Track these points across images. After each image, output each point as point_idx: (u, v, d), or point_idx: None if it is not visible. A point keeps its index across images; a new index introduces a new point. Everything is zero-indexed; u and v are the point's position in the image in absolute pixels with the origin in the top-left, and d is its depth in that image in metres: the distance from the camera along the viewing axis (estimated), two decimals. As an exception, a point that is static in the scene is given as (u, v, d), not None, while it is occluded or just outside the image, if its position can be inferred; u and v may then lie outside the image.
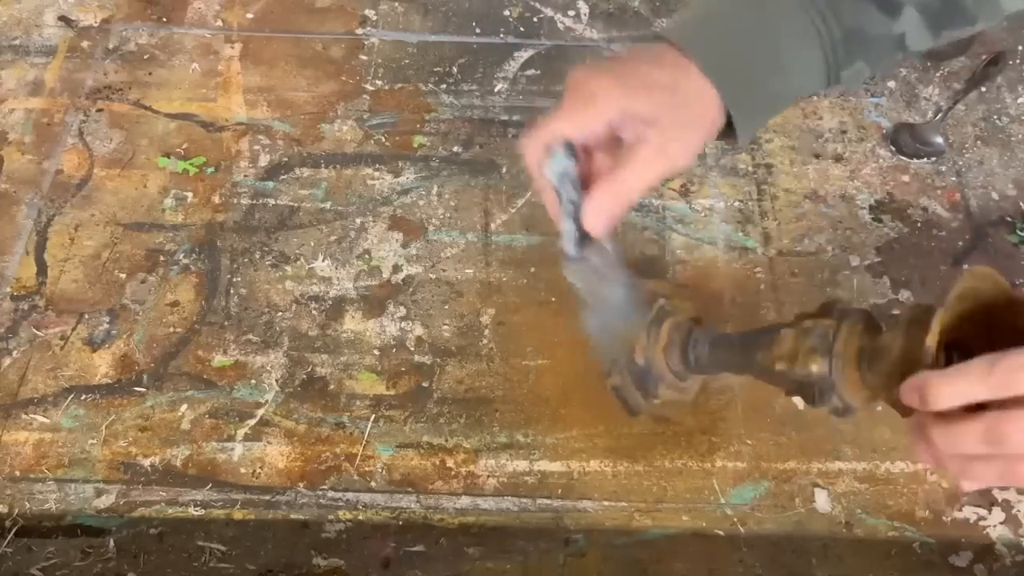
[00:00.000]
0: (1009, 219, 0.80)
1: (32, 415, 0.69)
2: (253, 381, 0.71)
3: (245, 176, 0.82)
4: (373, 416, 0.69)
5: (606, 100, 0.46)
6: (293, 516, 0.65)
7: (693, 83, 0.46)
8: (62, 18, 0.93)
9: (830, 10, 0.46)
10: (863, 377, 0.44)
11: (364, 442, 0.68)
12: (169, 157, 0.83)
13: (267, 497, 0.66)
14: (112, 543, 0.64)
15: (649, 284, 0.60)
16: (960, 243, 0.78)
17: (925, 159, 0.83)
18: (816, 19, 0.46)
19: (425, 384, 0.71)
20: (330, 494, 0.66)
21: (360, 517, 0.65)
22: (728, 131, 0.49)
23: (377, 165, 0.83)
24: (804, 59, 0.47)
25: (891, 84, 0.89)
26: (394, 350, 0.72)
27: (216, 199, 0.80)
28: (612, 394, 0.56)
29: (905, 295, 0.75)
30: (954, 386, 0.37)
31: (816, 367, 0.44)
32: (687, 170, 0.82)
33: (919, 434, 0.40)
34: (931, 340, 0.39)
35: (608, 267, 0.52)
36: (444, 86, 0.89)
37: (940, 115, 0.85)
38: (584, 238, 0.50)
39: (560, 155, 0.48)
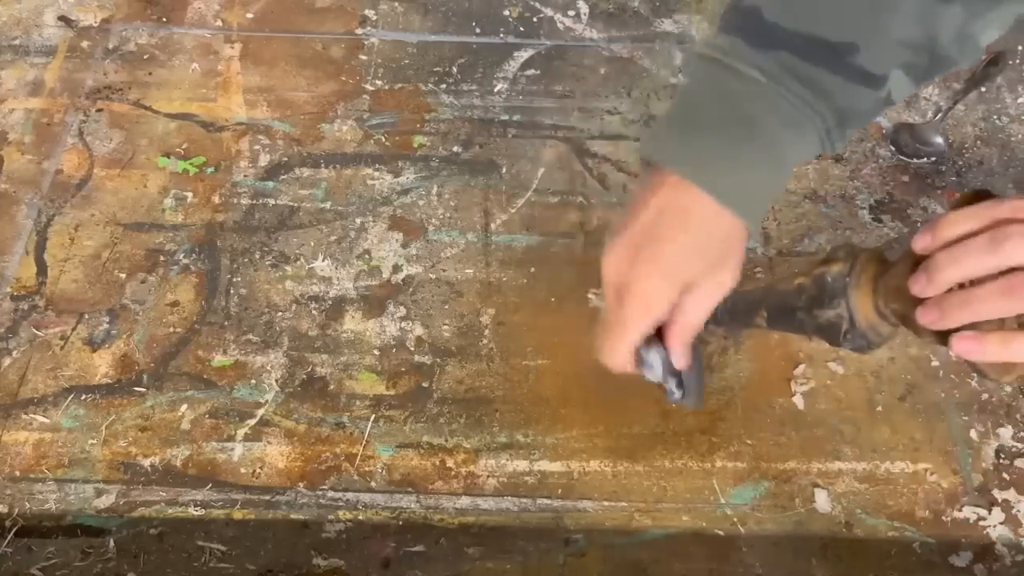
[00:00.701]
0: (1009, 219, 0.80)
1: (32, 415, 0.69)
2: (253, 381, 0.71)
3: (245, 176, 0.82)
4: (373, 416, 0.69)
5: (660, 297, 0.47)
6: (293, 516, 0.65)
7: (720, 226, 0.46)
8: (62, 18, 0.93)
9: (821, 100, 0.45)
10: (875, 288, 0.47)
11: (364, 442, 0.68)
12: (169, 157, 0.83)
13: (267, 497, 0.66)
14: (112, 543, 0.64)
15: None
16: (960, 243, 0.78)
17: (925, 159, 0.83)
18: (810, 113, 0.45)
19: (425, 384, 0.71)
20: (330, 494, 0.66)
21: (360, 517, 0.65)
22: None
23: (377, 165, 0.83)
24: (804, 150, 0.47)
25: (891, 84, 0.89)
26: (394, 350, 0.72)
27: (216, 199, 0.80)
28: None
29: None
30: (961, 214, 0.41)
31: (837, 267, 0.48)
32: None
33: (924, 279, 0.42)
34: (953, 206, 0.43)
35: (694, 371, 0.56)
36: (444, 86, 0.89)
37: (940, 115, 0.85)
38: (679, 375, 0.53)
39: (655, 357, 0.51)
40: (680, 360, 0.51)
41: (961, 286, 0.41)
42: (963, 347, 0.41)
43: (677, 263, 0.46)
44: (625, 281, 0.47)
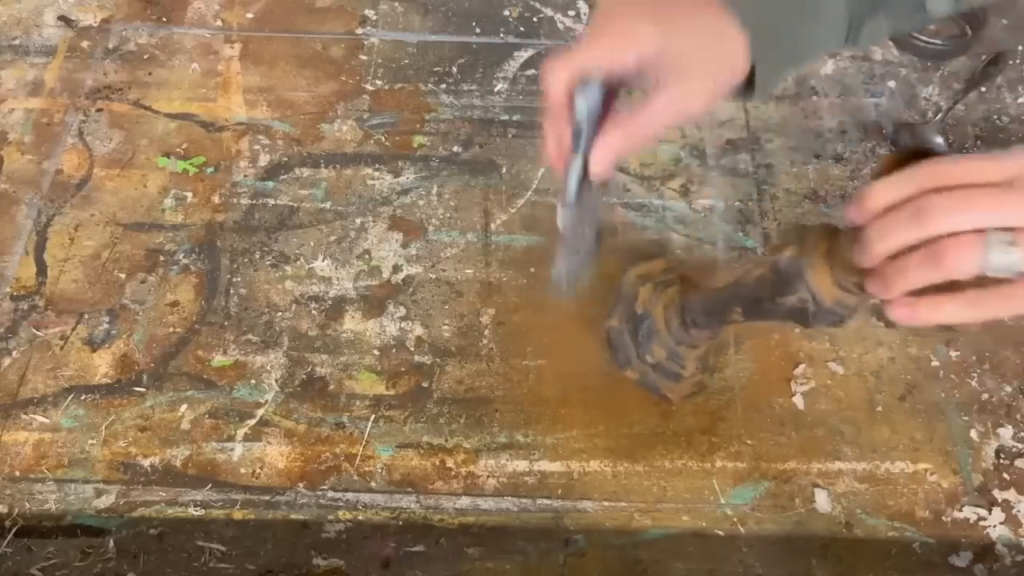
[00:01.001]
0: (1009, 219, 0.80)
1: (32, 415, 0.69)
2: (253, 381, 0.71)
3: (245, 176, 0.82)
4: (373, 416, 0.69)
5: (641, 35, 0.44)
6: (293, 516, 0.65)
7: (724, 29, 0.45)
8: (62, 18, 0.93)
9: None
10: (830, 263, 0.47)
11: (364, 442, 0.68)
12: (169, 157, 0.83)
13: (267, 497, 0.66)
14: (112, 543, 0.64)
15: (640, 268, 0.67)
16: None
17: (925, 159, 0.83)
18: None
19: (425, 384, 0.71)
20: (330, 494, 0.66)
21: (360, 517, 0.65)
22: (745, 88, 0.48)
23: (377, 165, 0.83)
24: (829, 9, 0.46)
25: (891, 84, 0.89)
26: (394, 350, 0.72)
27: (216, 199, 0.80)
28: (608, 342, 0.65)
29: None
30: (887, 184, 0.40)
31: (788, 252, 0.48)
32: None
33: (860, 253, 0.42)
34: (875, 177, 0.43)
35: (591, 210, 0.52)
36: (444, 86, 0.89)
37: (940, 115, 0.85)
38: (584, 179, 0.48)
39: (595, 88, 0.45)
40: (600, 163, 0.46)
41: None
42: (898, 315, 0.41)
43: (664, 20, 0.44)
44: (612, 15, 0.45)
